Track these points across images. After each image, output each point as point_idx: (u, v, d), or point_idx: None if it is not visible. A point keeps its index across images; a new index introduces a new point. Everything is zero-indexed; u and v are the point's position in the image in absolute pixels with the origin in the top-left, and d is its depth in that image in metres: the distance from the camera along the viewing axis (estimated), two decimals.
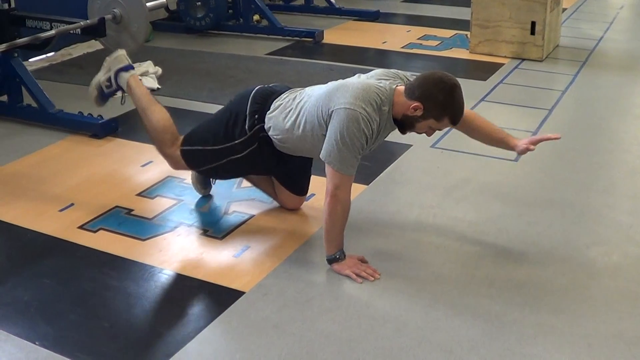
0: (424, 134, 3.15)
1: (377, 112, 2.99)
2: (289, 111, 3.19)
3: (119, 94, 3.70)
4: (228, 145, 3.29)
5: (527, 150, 3.25)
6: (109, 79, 3.63)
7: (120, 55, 3.67)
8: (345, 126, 2.93)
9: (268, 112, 3.24)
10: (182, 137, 3.45)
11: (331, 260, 3.07)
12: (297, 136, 3.16)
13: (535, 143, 3.25)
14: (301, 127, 3.13)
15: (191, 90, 5.51)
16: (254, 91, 3.34)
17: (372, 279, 3.00)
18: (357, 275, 3.01)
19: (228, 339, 2.66)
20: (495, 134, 3.34)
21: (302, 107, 3.15)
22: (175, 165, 3.49)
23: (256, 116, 3.25)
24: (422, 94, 2.98)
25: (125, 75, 3.60)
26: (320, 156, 3.03)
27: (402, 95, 3.04)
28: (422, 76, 3.07)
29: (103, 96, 3.71)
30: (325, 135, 3.03)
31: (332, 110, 2.99)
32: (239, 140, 3.27)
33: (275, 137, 3.23)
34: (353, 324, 2.73)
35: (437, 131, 3.15)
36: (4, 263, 3.27)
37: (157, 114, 3.49)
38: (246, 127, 3.26)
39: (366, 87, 3.02)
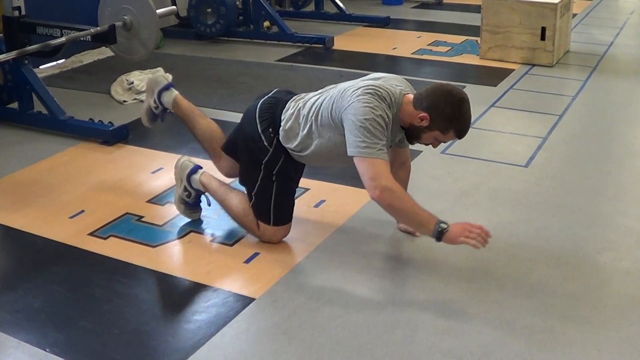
0: (430, 145, 3.17)
1: (388, 109, 2.99)
2: (302, 120, 3.17)
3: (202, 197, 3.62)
4: (263, 171, 3.24)
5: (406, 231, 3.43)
6: (185, 189, 3.53)
7: (185, 162, 3.58)
8: (361, 113, 2.91)
9: (280, 128, 3.21)
10: None
11: (438, 235, 2.90)
12: (316, 143, 3.14)
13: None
14: (318, 132, 3.12)
15: (202, 97, 5.51)
16: (257, 108, 3.30)
17: (484, 241, 2.87)
18: (470, 238, 2.86)
19: (238, 346, 2.66)
20: None
21: (316, 112, 3.13)
22: (275, 238, 3.35)
23: (270, 129, 3.22)
24: (429, 105, 2.99)
25: (196, 177, 3.51)
26: (348, 153, 2.97)
27: (410, 103, 3.05)
28: (431, 87, 3.06)
29: (190, 206, 3.58)
30: (343, 135, 3.01)
31: (346, 107, 2.98)
32: (267, 159, 3.22)
33: (293, 149, 3.20)
34: (363, 331, 2.73)
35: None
36: (15, 270, 3.28)
37: (234, 200, 3.41)
38: (265, 144, 3.22)
39: (377, 85, 3.02)
